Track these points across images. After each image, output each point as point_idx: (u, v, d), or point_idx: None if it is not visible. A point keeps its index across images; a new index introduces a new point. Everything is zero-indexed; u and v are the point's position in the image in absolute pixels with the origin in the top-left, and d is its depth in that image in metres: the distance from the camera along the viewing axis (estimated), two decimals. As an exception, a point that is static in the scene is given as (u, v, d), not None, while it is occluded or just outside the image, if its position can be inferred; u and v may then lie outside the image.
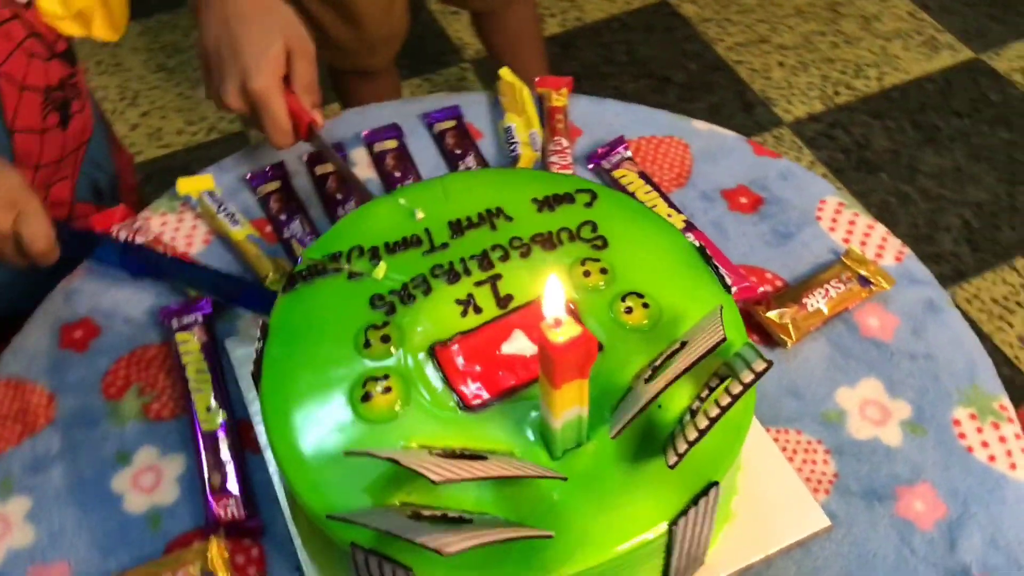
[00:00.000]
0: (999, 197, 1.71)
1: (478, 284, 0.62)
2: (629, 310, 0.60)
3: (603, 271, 0.62)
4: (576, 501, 0.53)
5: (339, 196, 0.81)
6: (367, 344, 0.59)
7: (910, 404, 0.68)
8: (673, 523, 0.52)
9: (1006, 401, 0.68)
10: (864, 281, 0.72)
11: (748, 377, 0.51)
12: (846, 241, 0.77)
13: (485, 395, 0.57)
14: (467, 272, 0.63)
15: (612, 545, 0.51)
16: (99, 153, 0.90)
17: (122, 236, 0.78)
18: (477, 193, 0.68)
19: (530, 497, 0.53)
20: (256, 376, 0.59)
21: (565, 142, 0.83)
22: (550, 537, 0.50)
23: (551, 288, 0.49)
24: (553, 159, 0.81)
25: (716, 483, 0.53)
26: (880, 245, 0.77)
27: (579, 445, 0.54)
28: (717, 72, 1.96)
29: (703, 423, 0.51)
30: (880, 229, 0.78)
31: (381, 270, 0.63)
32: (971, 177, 1.74)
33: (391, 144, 0.85)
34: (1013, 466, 0.64)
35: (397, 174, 0.82)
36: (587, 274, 0.62)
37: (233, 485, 0.63)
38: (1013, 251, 1.60)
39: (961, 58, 1.93)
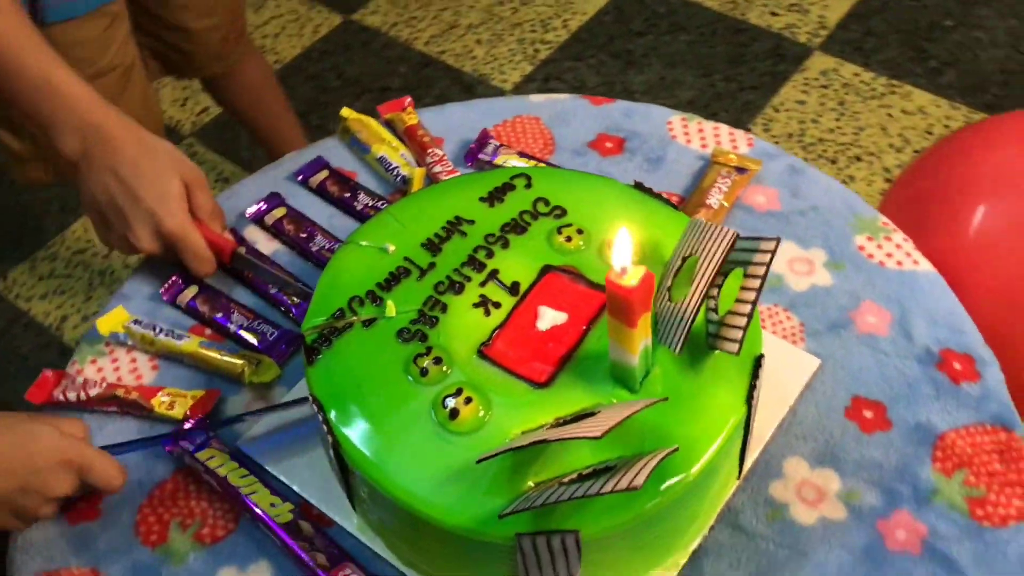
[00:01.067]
0: (703, 91, 1.95)
1: (483, 284, 0.68)
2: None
3: (579, 231, 0.70)
4: (670, 417, 0.60)
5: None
6: (424, 373, 0.63)
7: (822, 249, 0.81)
8: (748, 399, 0.61)
9: (884, 218, 0.83)
10: (740, 170, 0.85)
11: (766, 257, 0.61)
12: (704, 147, 0.89)
13: (548, 368, 0.63)
14: (467, 279, 0.68)
15: (713, 438, 0.60)
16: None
17: (71, 397, 0.74)
18: (428, 212, 0.73)
19: (634, 432, 0.59)
20: (337, 447, 0.61)
21: (439, 151, 0.89)
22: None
23: (620, 241, 0.56)
24: (437, 169, 0.87)
25: (762, 355, 0.63)
26: (731, 139, 0.90)
27: (648, 373, 0.62)
28: (427, 68, 2.06)
29: (745, 308, 0.61)
30: (723, 128, 0.91)
31: (391, 308, 0.67)
32: (676, 82, 1.97)
33: (280, 212, 0.86)
34: (916, 262, 0.80)
35: (303, 235, 0.84)
36: (568, 239, 0.69)
37: (337, 558, 0.65)
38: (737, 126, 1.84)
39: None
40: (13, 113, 0.96)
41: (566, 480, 0.56)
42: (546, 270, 0.68)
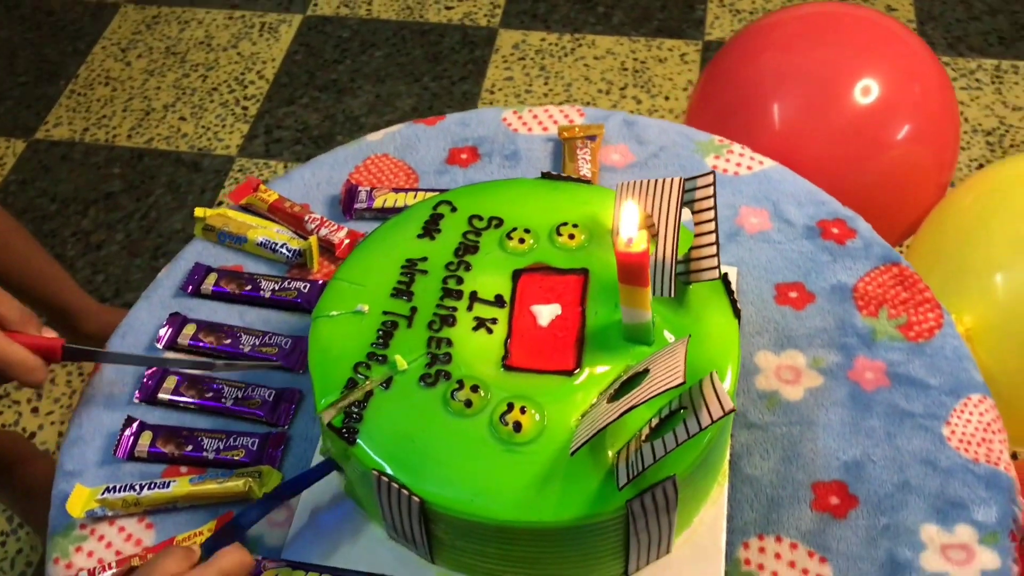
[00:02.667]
0: (420, 95, 2.03)
1: (469, 308, 0.71)
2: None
3: (527, 231, 0.75)
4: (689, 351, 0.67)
5: (201, 396, 0.79)
6: (468, 404, 0.66)
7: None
8: (735, 312, 0.70)
9: (717, 136, 0.95)
10: (590, 138, 0.94)
11: (709, 190, 0.69)
12: (546, 129, 0.97)
13: (571, 354, 0.68)
14: (453, 309, 0.71)
15: (729, 351, 0.68)
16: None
17: (83, 588, 0.69)
18: (376, 265, 0.74)
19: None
20: (423, 505, 0.63)
21: (315, 215, 0.89)
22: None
23: (626, 213, 0.62)
24: (324, 232, 0.88)
25: (725, 273, 0.72)
26: (564, 115, 0.98)
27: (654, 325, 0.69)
28: (142, 160, 1.97)
29: (710, 238, 0.69)
30: (552, 108, 0.99)
31: (401, 362, 0.68)
32: (392, 95, 2.03)
33: (190, 329, 0.83)
34: (761, 163, 0.92)
35: (227, 341, 0.82)
36: (521, 241, 0.74)
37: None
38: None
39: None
40: None
41: (644, 438, 0.62)
42: (517, 274, 0.73)
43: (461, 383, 0.67)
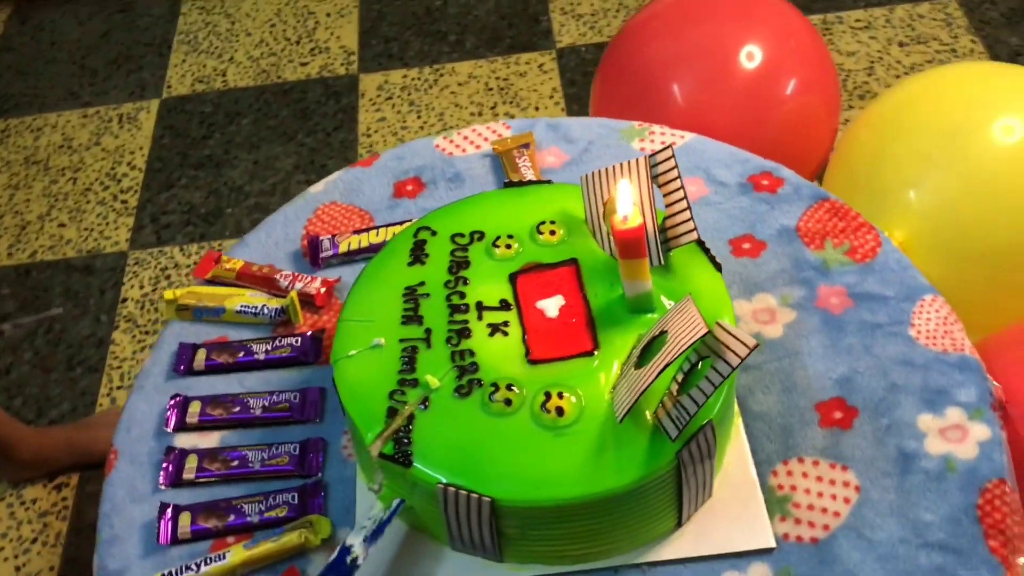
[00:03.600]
0: (299, 152, 2.04)
1: (479, 318, 0.75)
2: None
3: (509, 236, 0.79)
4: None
5: (227, 467, 0.80)
6: (508, 403, 0.70)
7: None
8: (716, 266, 0.77)
9: (635, 121, 1.02)
10: (524, 146, 0.99)
11: (670, 162, 0.76)
12: (479, 147, 1.02)
13: (587, 336, 0.73)
14: (464, 322, 0.75)
15: (723, 302, 0.75)
16: None
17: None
18: (378, 299, 0.78)
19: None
20: (493, 506, 0.66)
21: (286, 271, 0.91)
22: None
23: (621, 194, 0.67)
24: (298, 286, 0.90)
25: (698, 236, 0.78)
26: (492, 131, 1.03)
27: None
28: (29, 276, 1.91)
29: (683, 203, 0.75)
30: (478, 127, 1.04)
31: (432, 381, 0.72)
32: (270, 158, 2.04)
33: (195, 407, 0.84)
34: (682, 136, 1.00)
35: (236, 409, 0.83)
36: (508, 247, 0.79)
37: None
38: (349, 161, 1.97)
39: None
40: None
41: (676, 393, 0.68)
42: (513, 277, 0.77)
43: (496, 386, 0.71)
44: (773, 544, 0.72)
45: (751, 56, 1.12)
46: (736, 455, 0.77)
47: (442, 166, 1.01)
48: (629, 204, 0.68)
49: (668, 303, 0.74)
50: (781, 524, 0.73)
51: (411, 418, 0.70)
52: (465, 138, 1.03)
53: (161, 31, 2.38)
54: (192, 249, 1.93)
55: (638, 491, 0.67)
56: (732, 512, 0.74)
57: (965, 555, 0.71)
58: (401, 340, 0.75)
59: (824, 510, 0.74)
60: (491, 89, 2.11)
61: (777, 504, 0.74)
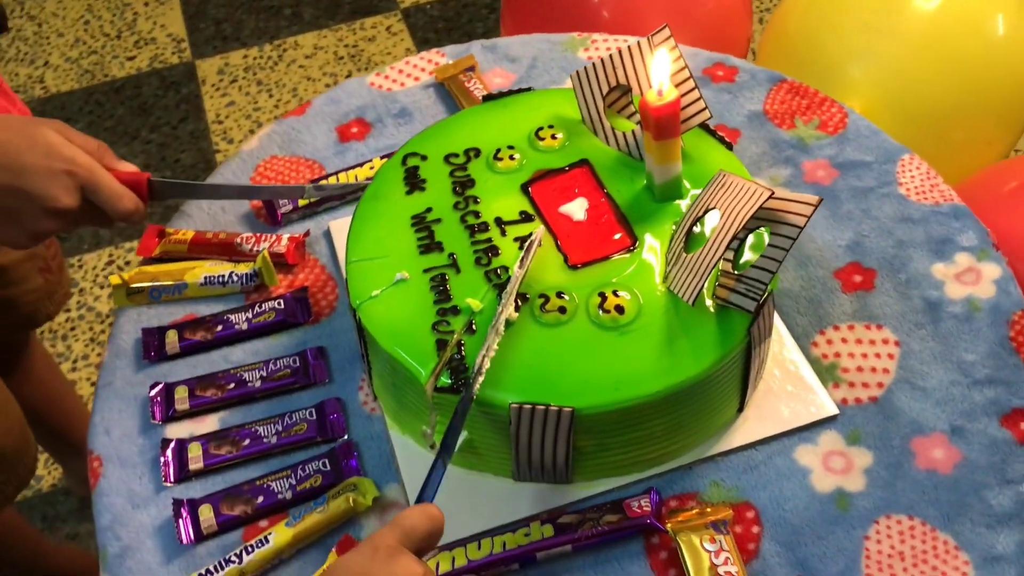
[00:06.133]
0: (147, 151, 1.88)
1: (503, 234, 0.70)
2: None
3: (510, 147, 0.74)
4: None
5: (239, 448, 0.71)
6: (563, 311, 0.65)
7: (571, 76, 0.95)
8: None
9: (596, 36, 0.98)
10: (470, 69, 0.93)
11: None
12: (418, 80, 0.95)
13: (623, 232, 0.69)
14: (489, 240, 0.69)
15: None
16: None
17: None
18: (386, 234, 0.71)
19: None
20: (572, 416, 0.61)
21: (248, 234, 0.82)
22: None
23: (657, 63, 0.64)
24: (264, 246, 0.81)
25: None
26: (427, 60, 0.97)
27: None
28: None
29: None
30: (412, 58, 0.97)
31: (475, 304, 0.66)
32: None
33: (182, 391, 0.74)
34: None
35: (232, 386, 0.74)
36: (512, 158, 0.74)
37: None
38: (207, 156, 1.83)
39: None
40: None
41: (733, 270, 0.65)
42: (526, 188, 0.72)
43: (544, 296, 0.66)
44: (836, 411, 0.71)
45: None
46: (774, 335, 0.75)
47: (384, 103, 0.94)
48: (667, 76, 0.64)
49: (691, 189, 0.71)
50: (836, 391, 0.72)
51: (460, 345, 0.64)
52: (400, 72, 0.96)
53: (-44, 43, 2.14)
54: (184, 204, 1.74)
55: (715, 376, 0.64)
56: (787, 389, 0.72)
57: (1014, 384, 0.72)
58: (426, 270, 0.68)
59: (873, 369, 0.73)
60: (342, 58, 2.02)
61: (827, 372, 0.73)
